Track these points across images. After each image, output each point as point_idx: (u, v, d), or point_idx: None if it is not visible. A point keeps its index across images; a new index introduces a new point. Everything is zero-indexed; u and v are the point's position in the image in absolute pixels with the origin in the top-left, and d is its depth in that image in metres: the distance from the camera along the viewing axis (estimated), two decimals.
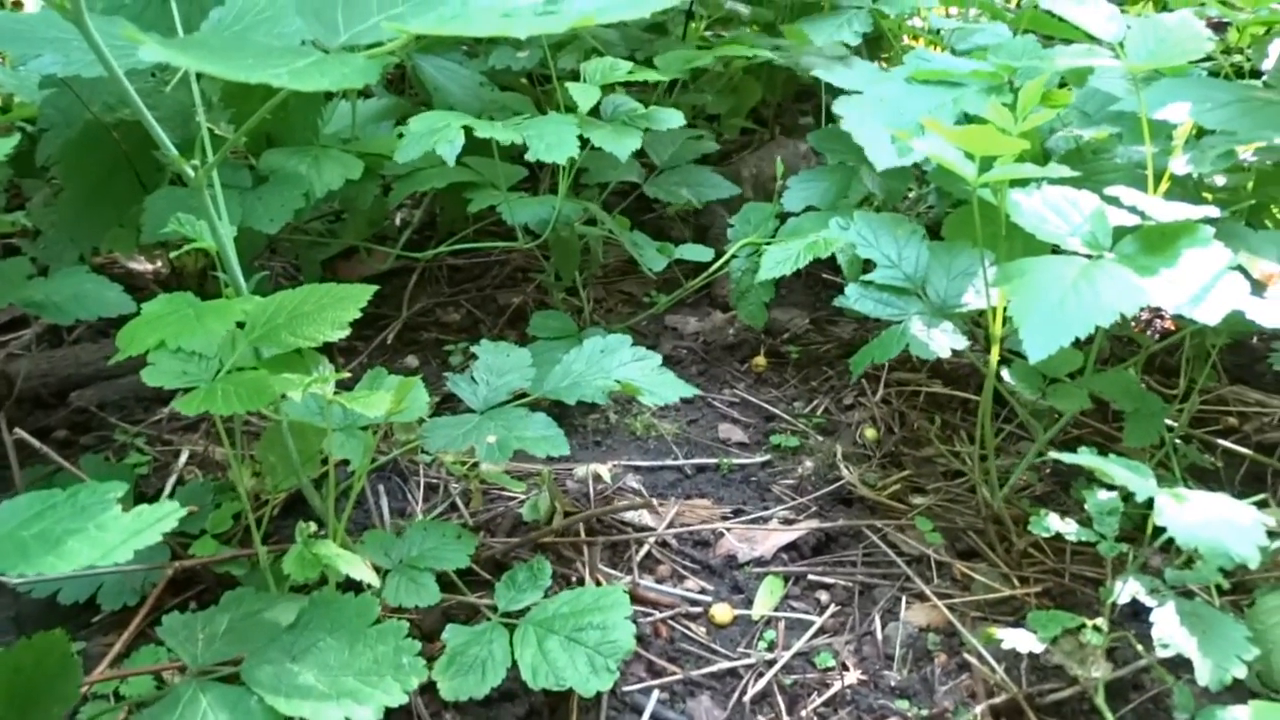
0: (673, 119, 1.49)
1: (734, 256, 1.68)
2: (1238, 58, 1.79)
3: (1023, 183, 1.14)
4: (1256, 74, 1.68)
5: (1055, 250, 1.08)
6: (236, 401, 0.79)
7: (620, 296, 2.04)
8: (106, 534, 0.69)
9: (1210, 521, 0.81)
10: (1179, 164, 1.21)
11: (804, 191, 1.72)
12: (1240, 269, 1.17)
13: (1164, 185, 1.20)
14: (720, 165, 2.60)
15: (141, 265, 1.92)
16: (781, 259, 1.36)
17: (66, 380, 1.46)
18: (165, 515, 0.71)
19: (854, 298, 1.22)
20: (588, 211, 1.54)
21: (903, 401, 1.62)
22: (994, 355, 1.16)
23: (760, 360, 1.75)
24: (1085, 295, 0.96)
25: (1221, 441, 1.48)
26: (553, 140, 1.30)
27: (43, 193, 1.71)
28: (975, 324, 1.46)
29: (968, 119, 1.17)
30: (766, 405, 1.63)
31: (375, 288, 0.95)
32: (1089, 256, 1.07)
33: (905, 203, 1.76)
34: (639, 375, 1.14)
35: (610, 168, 1.87)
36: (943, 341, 1.15)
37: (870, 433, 1.53)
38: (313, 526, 0.92)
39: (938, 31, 1.92)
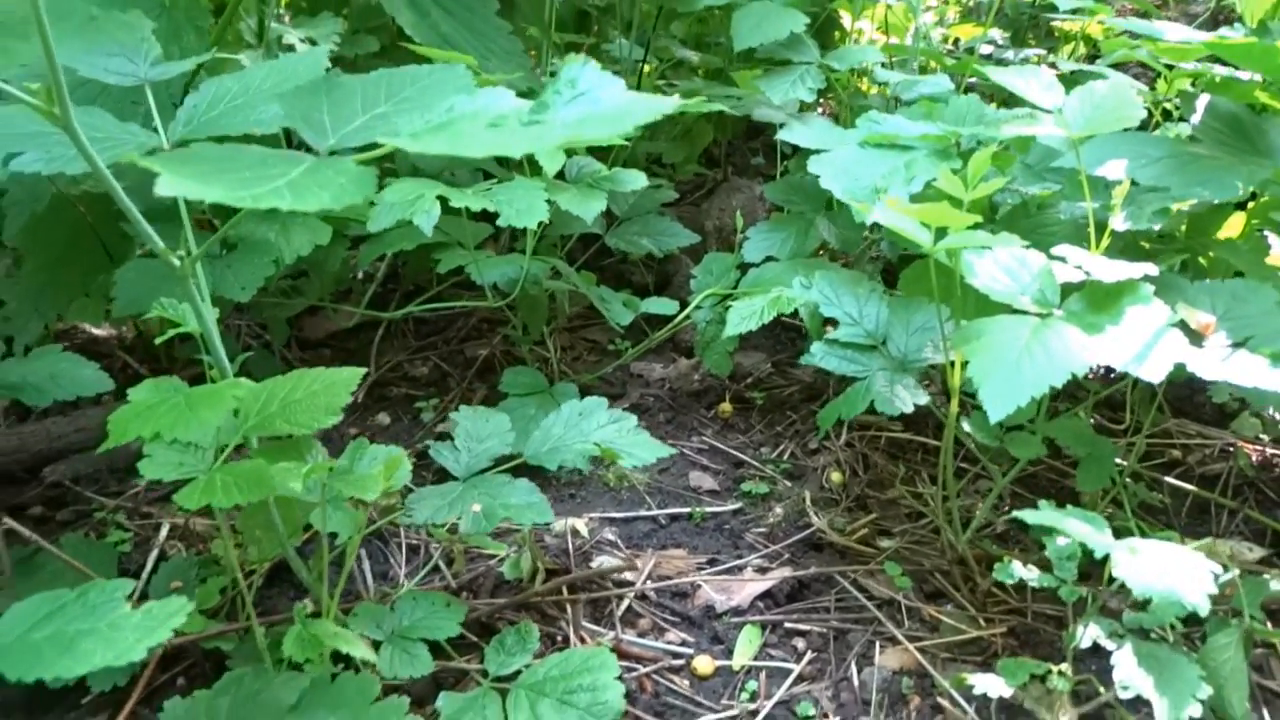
0: (635, 180, 1.54)
1: (698, 307, 1.73)
2: (1166, 105, 1.90)
3: None
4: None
5: (1008, 310, 1.14)
6: (237, 493, 0.81)
7: (586, 345, 2.08)
8: (120, 633, 0.71)
9: (1163, 572, 0.87)
10: (1118, 221, 1.28)
11: (764, 242, 1.78)
12: (1179, 322, 1.24)
13: (1105, 241, 1.27)
14: (677, 206, 2.67)
15: (105, 331, 1.92)
16: (746, 314, 1.41)
17: (38, 455, 1.46)
18: (175, 612, 0.73)
19: (819, 355, 1.27)
20: (554, 268, 1.58)
21: (866, 445, 1.68)
22: (953, 406, 1.22)
23: (726, 407, 1.80)
24: (1039, 356, 1.02)
25: (1168, 479, 1.55)
26: (523, 206, 1.34)
27: (4, 263, 1.71)
28: (933, 366, 1.53)
29: (925, 189, 1.23)
30: (735, 452, 1.68)
31: (364, 371, 0.98)
32: (1040, 315, 1.13)
33: (859, 249, 1.83)
34: (617, 438, 1.18)
35: (574, 221, 1.91)
36: (905, 398, 1.21)
37: (836, 476, 1.58)
38: (309, 605, 0.94)
39: (883, 83, 2.00)
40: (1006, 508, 1.50)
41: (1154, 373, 1.02)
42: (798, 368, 1.94)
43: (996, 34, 3.13)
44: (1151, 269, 1.15)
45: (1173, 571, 0.87)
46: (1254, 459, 1.65)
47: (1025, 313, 1.14)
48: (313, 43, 1.95)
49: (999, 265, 1.16)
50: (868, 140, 1.33)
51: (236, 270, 1.51)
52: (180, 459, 0.88)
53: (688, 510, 1.52)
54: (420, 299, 1.91)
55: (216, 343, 1.01)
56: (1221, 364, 1.12)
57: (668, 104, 0.72)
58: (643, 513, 1.51)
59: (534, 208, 1.34)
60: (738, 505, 1.53)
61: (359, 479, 0.84)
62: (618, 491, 1.58)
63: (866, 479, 1.60)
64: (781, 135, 1.76)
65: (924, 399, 1.22)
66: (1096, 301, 1.15)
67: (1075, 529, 0.92)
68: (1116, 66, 2.49)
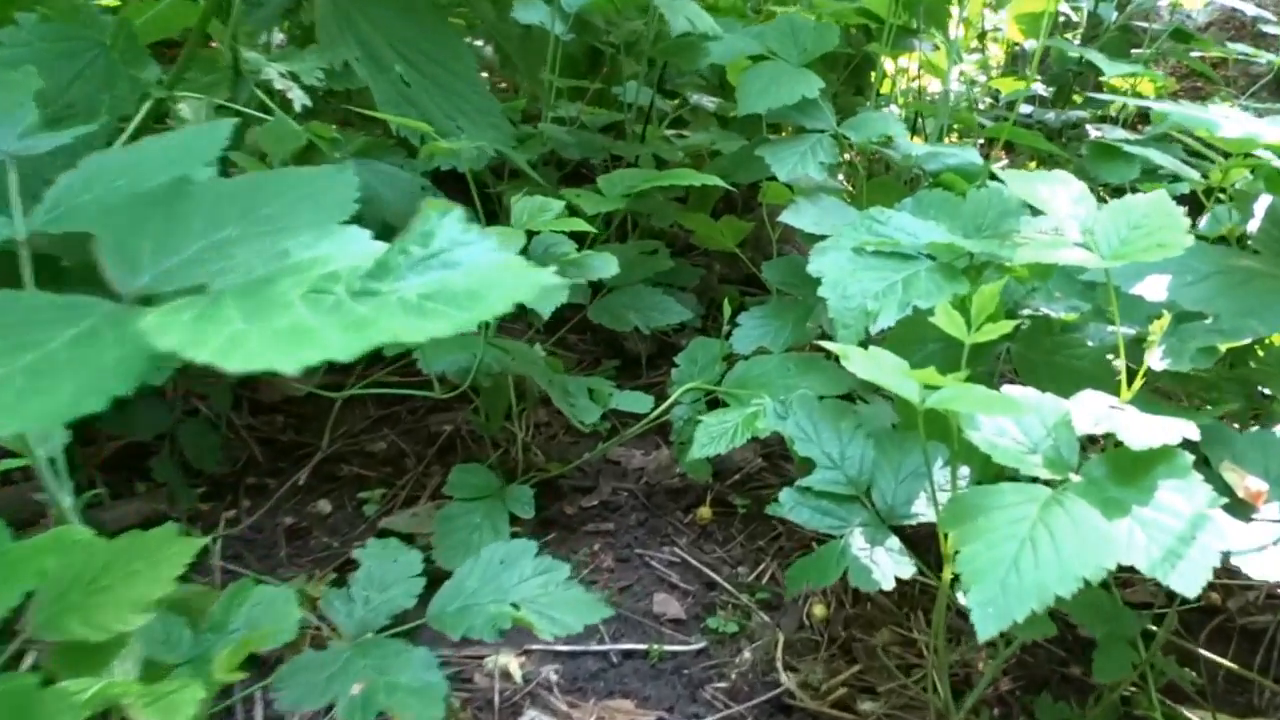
0: (606, 266, 1.36)
1: (677, 402, 1.55)
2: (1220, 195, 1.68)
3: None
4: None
5: (1011, 476, 0.95)
6: None
7: (563, 422, 1.90)
8: None
9: None
10: (1154, 358, 1.08)
11: (755, 331, 1.59)
12: (1222, 487, 1.04)
13: (1139, 382, 1.07)
14: (688, 256, 2.49)
15: None
16: (717, 434, 1.23)
17: None
18: None
19: (788, 505, 1.08)
20: (512, 355, 1.40)
21: None
22: (946, 574, 1.03)
23: (705, 511, 1.61)
24: (1044, 553, 0.82)
25: (1203, 652, 1.33)
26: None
27: None
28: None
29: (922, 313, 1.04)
30: (709, 570, 1.49)
31: (203, 542, 0.81)
32: (1052, 482, 0.94)
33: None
34: (542, 594, 0.99)
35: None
36: (886, 567, 1.02)
37: (819, 610, 1.39)
38: None
39: (906, 155, 1.81)
40: (1005, 674, 1.30)
41: (1188, 584, 0.82)
42: (792, 461, 1.75)
43: (1040, 88, 2.92)
44: (1191, 430, 0.95)
45: None
46: None
47: (1034, 479, 0.94)
48: (295, 78, 1.80)
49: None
50: (863, 245, 1.14)
51: None
52: None
53: (645, 647, 1.33)
54: (375, 375, 1.75)
55: (47, 477, 0.84)
56: (1272, 558, 0.92)
57: (541, 277, 0.54)
58: (593, 646, 1.33)
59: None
60: (702, 644, 1.34)
61: (166, 705, 0.67)
62: None
63: (853, 612, 1.40)
64: (784, 217, 1.58)
65: (909, 569, 1.02)
66: (1123, 468, 0.95)
67: None
68: (1167, 138, 2.28)
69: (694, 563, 1.51)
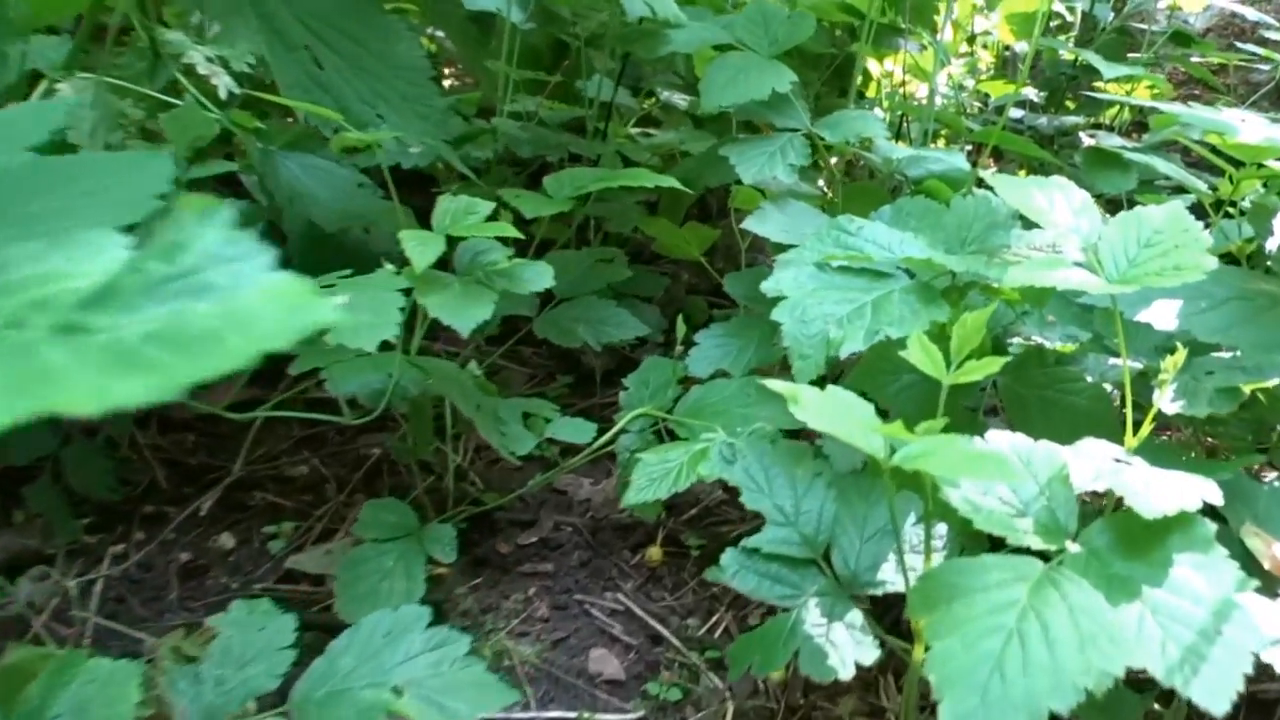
0: (540, 277, 1.19)
1: (624, 430, 1.38)
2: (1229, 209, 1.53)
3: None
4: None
5: (998, 544, 0.78)
6: None
7: None
8: None
9: None
10: (1166, 401, 0.92)
11: (714, 351, 1.43)
12: (1241, 553, 0.89)
13: (1147, 426, 0.91)
14: (656, 265, 2.32)
15: None
16: (658, 476, 1.06)
17: None
18: None
19: (732, 570, 0.91)
20: (431, 375, 1.23)
21: None
22: (917, 653, 0.86)
23: (655, 552, 1.44)
24: (1034, 653, 0.66)
25: None
26: (367, 317, 1.00)
27: None
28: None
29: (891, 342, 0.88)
30: (655, 622, 1.32)
31: None
32: (1045, 553, 0.78)
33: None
34: (431, 677, 0.82)
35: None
36: (845, 649, 0.85)
37: (776, 673, 1.22)
38: None
39: (887, 159, 1.65)
40: None
41: (1214, 698, 0.66)
42: None
43: (1031, 93, 2.76)
44: (1213, 492, 0.79)
45: None
46: None
47: (1025, 550, 0.78)
48: (224, 62, 1.62)
49: None
50: (827, 260, 0.97)
51: None
52: None
53: (575, 715, 1.16)
54: (305, 387, 1.58)
55: None
56: None
57: (321, 312, 0.37)
58: (516, 714, 1.16)
59: (381, 321, 1.00)
60: (640, 714, 1.17)
61: None
62: (493, 673, 1.23)
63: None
64: (748, 224, 1.41)
65: (872, 653, 0.86)
66: (1131, 536, 0.79)
67: None
68: (1166, 145, 2.12)
69: (639, 612, 1.34)
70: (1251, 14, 2.80)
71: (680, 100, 2.37)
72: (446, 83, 2.79)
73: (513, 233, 1.14)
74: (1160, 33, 2.52)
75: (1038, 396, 1.06)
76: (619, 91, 2.21)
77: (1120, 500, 0.81)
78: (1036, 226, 0.92)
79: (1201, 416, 0.89)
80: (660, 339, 1.96)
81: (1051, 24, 2.83)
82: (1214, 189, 1.49)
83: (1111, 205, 1.94)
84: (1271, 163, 1.31)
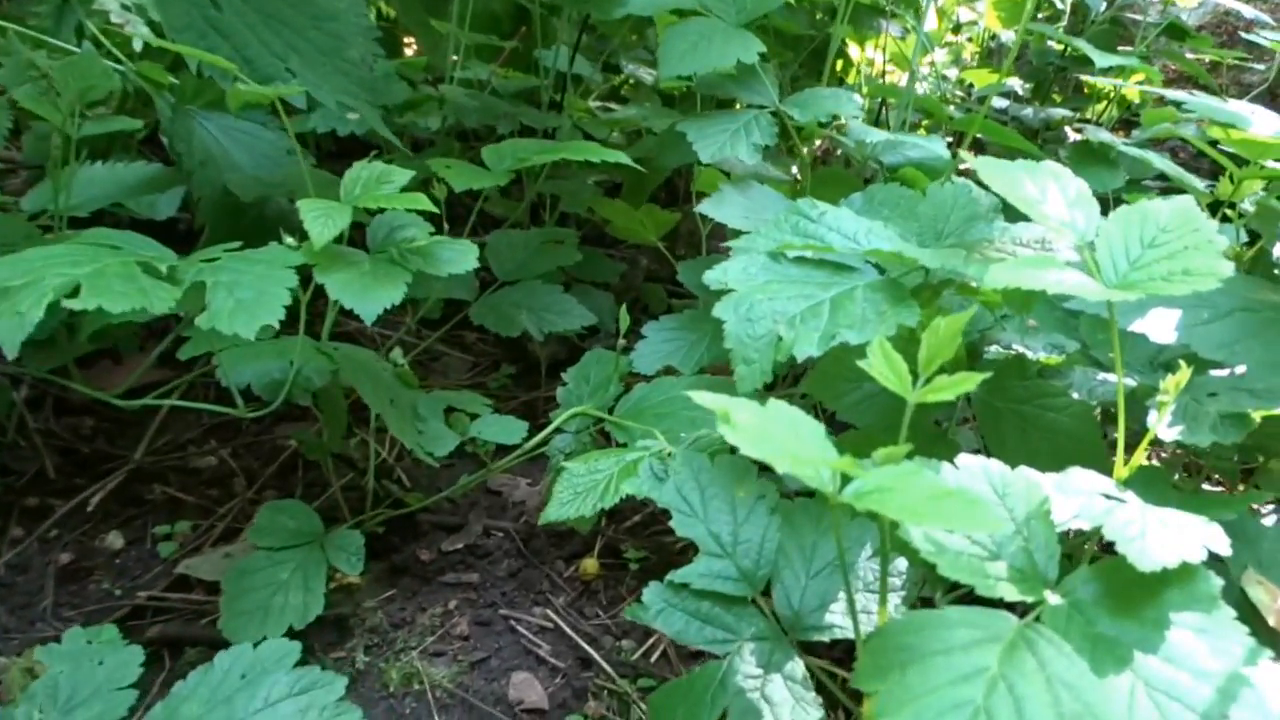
0: (461, 258, 1.05)
1: (559, 430, 1.25)
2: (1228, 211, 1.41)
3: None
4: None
5: (967, 597, 0.66)
6: None
7: None
8: None
9: None
10: (1164, 427, 0.80)
11: (662, 346, 1.30)
12: (1239, 600, 0.77)
13: (1140, 453, 0.79)
14: (613, 250, 2.18)
15: None
16: (584, 489, 0.93)
17: None
18: None
19: (655, 609, 0.78)
20: (339, 365, 1.09)
21: None
22: (868, 710, 0.74)
23: (591, 564, 1.31)
24: None
25: None
26: (245, 298, 0.85)
27: None
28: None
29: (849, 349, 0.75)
30: (585, 643, 1.19)
31: None
32: (1022, 605, 0.65)
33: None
34: None
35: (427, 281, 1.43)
36: (783, 710, 0.72)
37: None
38: None
39: (861, 142, 1.52)
40: None
41: None
42: None
43: (1016, 83, 2.64)
44: (1220, 541, 0.67)
45: None
46: None
47: (998, 603, 0.66)
48: (142, 11, 1.46)
49: None
50: (782, 249, 0.84)
51: None
52: None
53: None
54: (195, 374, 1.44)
55: None
56: None
57: None
58: None
59: (265, 304, 0.86)
60: None
61: None
62: (398, 699, 1.10)
63: None
64: (704, 208, 1.28)
65: (814, 715, 0.73)
66: (1122, 588, 0.67)
67: None
68: (1154, 144, 2.01)
69: (569, 631, 1.21)
70: (1248, 11, 2.69)
71: (648, 75, 2.23)
72: (409, 51, 2.62)
73: (428, 206, 1.00)
74: (1153, 25, 2.40)
75: (1015, 412, 0.93)
76: (581, 63, 2.07)
77: (1106, 539, 0.69)
78: (1024, 219, 0.79)
79: (1204, 446, 0.77)
80: (614, 329, 1.82)
81: (1040, 14, 2.71)
82: (1212, 189, 1.38)
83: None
84: (1271, 163, 1.19)
